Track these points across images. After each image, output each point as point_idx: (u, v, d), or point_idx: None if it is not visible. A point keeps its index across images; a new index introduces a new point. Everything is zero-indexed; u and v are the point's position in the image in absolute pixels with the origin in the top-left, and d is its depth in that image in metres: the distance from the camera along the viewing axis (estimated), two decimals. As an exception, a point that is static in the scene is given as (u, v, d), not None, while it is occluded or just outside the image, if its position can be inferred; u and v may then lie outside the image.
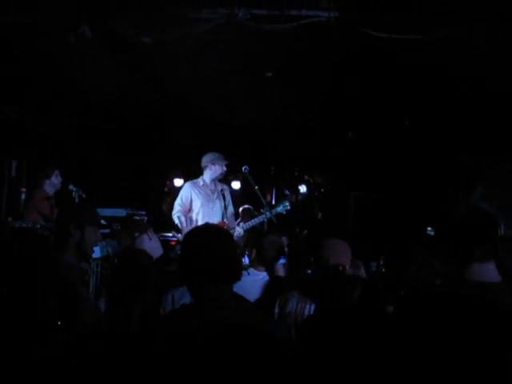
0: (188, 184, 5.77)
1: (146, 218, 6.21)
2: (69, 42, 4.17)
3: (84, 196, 5.63)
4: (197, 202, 5.59)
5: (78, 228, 2.89)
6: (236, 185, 8.15)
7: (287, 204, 5.70)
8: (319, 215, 8.87)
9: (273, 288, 3.56)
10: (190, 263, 1.89)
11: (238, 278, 1.89)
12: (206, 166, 5.67)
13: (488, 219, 2.43)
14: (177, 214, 5.56)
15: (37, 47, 4.44)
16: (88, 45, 4.27)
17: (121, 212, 6.08)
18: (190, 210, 5.60)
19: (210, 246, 1.87)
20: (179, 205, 5.62)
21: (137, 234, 3.33)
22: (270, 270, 3.76)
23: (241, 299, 1.95)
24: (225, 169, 5.69)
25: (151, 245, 3.37)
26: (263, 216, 5.54)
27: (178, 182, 8.24)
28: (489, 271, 2.38)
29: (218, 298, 1.81)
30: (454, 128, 6.65)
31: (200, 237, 1.96)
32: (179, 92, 5.99)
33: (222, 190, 5.62)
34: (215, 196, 5.64)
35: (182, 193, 5.70)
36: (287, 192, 7.87)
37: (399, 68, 5.18)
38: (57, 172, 5.83)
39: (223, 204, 5.56)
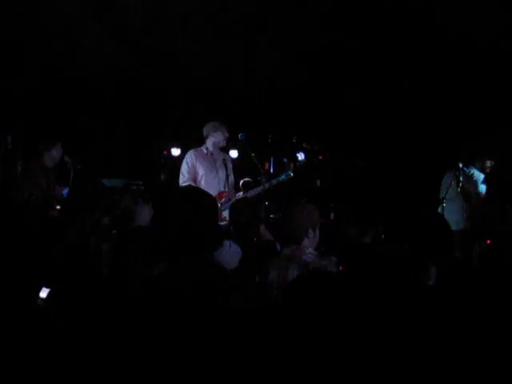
0: (192, 151, 5.75)
1: (142, 187, 6.18)
2: (57, 7, 4.06)
3: (79, 167, 5.59)
4: (200, 171, 5.59)
5: None
6: (233, 153, 8.09)
7: (290, 173, 5.68)
8: (317, 183, 8.85)
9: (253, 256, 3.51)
10: (164, 229, 1.82)
11: (214, 246, 1.83)
12: (208, 135, 5.66)
13: None
14: (186, 182, 5.52)
15: (24, 13, 4.34)
16: (77, 9, 4.16)
17: (118, 182, 6.06)
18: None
19: (184, 213, 1.80)
20: (187, 172, 5.59)
21: (140, 200, 3.37)
22: (242, 235, 3.68)
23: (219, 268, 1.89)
24: (227, 135, 5.69)
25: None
26: (266, 185, 5.53)
27: (175, 151, 8.20)
28: None
29: (191, 267, 1.77)
30: (456, 98, 6.57)
31: (175, 201, 1.89)
32: (172, 59, 5.89)
33: (224, 160, 5.63)
34: (218, 165, 5.64)
35: (186, 160, 5.67)
36: (285, 160, 7.82)
37: (399, 30, 5.07)
38: (58, 145, 5.74)
39: (225, 173, 5.57)
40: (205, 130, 5.70)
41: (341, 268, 2.95)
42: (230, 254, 3.48)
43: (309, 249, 3.04)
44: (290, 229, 3.06)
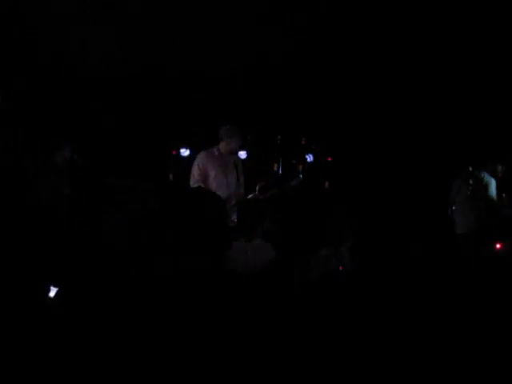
0: (203, 153, 5.74)
1: (151, 187, 6.19)
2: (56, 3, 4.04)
3: (87, 166, 5.64)
4: (211, 173, 5.57)
5: None
6: (242, 154, 8.10)
7: (301, 177, 5.72)
8: (326, 184, 8.83)
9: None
10: (172, 229, 1.82)
11: (221, 246, 1.83)
12: (223, 138, 5.64)
13: None
14: (197, 184, 5.51)
15: (23, 11, 4.34)
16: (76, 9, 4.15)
17: (127, 182, 6.07)
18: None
19: (192, 213, 1.81)
20: (198, 174, 5.57)
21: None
22: (249, 236, 3.70)
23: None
24: (240, 143, 5.71)
25: None
26: (276, 189, 5.56)
27: (183, 151, 8.21)
28: None
29: (198, 267, 1.77)
30: (469, 102, 6.53)
31: (184, 202, 1.89)
32: (180, 59, 5.89)
33: (234, 161, 5.64)
34: (229, 167, 5.64)
35: (198, 161, 5.67)
36: (294, 161, 7.81)
37: (408, 28, 5.04)
38: (69, 145, 5.82)
39: (236, 175, 5.57)
40: (221, 133, 5.68)
41: (341, 268, 2.99)
42: (260, 252, 3.52)
43: (345, 251, 3.15)
44: (332, 232, 3.17)
